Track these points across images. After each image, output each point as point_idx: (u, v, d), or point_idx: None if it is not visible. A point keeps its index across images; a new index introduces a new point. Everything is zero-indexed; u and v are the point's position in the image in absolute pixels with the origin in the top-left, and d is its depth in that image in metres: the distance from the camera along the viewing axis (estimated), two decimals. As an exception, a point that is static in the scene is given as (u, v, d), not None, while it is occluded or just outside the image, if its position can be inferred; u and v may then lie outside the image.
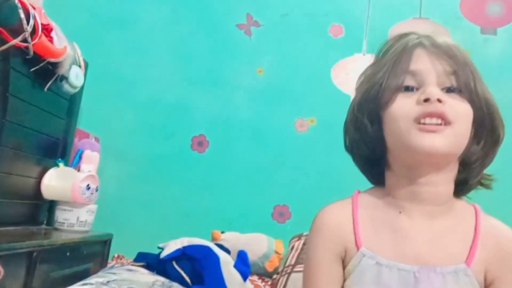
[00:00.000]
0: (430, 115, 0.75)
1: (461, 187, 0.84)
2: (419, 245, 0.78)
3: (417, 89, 0.78)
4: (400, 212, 0.80)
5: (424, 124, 0.75)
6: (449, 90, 0.78)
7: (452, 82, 0.78)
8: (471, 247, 0.78)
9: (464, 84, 0.78)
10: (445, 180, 0.80)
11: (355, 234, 0.81)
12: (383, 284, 0.76)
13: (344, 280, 0.81)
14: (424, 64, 0.78)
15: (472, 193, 0.87)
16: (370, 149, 0.84)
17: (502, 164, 0.88)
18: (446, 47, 0.79)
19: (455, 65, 0.78)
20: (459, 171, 0.82)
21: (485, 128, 0.80)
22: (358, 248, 0.79)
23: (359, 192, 0.87)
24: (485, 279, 0.78)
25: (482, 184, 0.86)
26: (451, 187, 0.81)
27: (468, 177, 0.83)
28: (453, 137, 0.75)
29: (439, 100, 0.75)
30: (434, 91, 0.75)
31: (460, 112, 0.76)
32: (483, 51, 2.13)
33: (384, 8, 2.19)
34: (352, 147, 0.87)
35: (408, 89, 0.79)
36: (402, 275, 0.76)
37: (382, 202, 0.83)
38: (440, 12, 2.18)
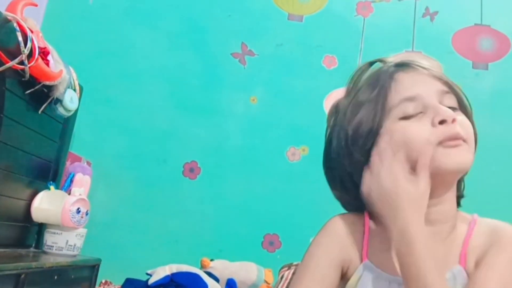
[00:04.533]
0: (454, 137, 0.74)
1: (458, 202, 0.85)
2: None
3: (419, 113, 0.77)
4: None
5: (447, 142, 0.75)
6: (451, 108, 0.78)
7: (450, 101, 0.78)
8: (462, 248, 0.78)
9: (459, 101, 0.79)
10: (451, 196, 0.80)
11: (363, 246, 0.81)
12: None
13: None
14: (420, 87, 0.78)
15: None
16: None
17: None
18: (433, 67, 0.81)
19: (448, 84, 0.79)
20: (457, 188, 0.83)
21: (476, 143, 0.81)
22: (362, 261, 0.80)
23: (368, 212, 0.86)
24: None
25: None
26: (454, 204, 0.82)
27: (461, 191, 0.85)
28: (470, 153, 0.76)
29: (453, 120, 0.75)
30: (449, 112, 0.75)
31: (469, 130, 0.78)
32: (474, 86, 2.16)
33: (377, 40, 2.24)
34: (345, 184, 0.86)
35: (408, 116, 0.78)
36: None
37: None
38: (432, 46, 2.22)
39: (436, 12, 2.27)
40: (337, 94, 2.14)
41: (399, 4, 2.30)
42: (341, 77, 2.15)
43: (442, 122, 0.75)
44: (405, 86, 0.79)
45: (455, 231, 0.81)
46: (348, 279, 0.81)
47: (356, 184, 0.83)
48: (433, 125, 0.75)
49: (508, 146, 2.07)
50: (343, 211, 0.89)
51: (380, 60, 0.85)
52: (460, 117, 0.77)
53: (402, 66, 0.82)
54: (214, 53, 2.27)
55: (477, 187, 0.88)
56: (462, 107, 0.80)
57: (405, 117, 0.78)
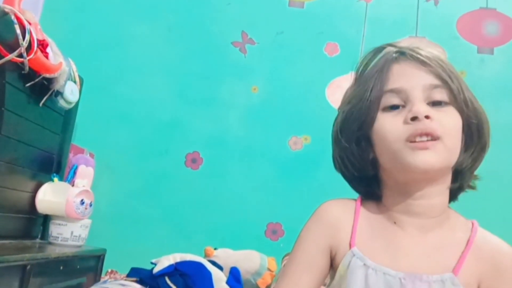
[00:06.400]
0: (420, 133, 0.74)
1: (455, 193, 0.84)
2: (410, 256, 0.78)
3: (403, 106, 0.78)
4: (394, 223, 0.81)
5: (415, 142, 0.74)
6: (436, 103, 0.77)
7: (438, 95, 0.77)
8: (460, 257, 0.77)
9: (452, 95, 0.77)
10: (439, 192, 0.79)
11: (351, 233, 0.81)
12: (370, 287, 0.76)
13: (333, 278, 0.82)
14: (407, 80, 0.78)
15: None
16: (357, 169, 0.85)
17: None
18: (430, 59, 0.79)
19: (441, 77, 0.77)
20: (453, 180, 0.82)
21: (474, 137, 0.80)
22: (350, 247, 0.80)
23: (361, 198, 0.87)
24: None
25: (469, 186, 0.86)
26: (445, 199, 0.81)
27: (461, 184, 0.83)
28: (444, 152, 0.75)
29: (426, 117, 0.74)
30: (421, 109, 0.75)
31: (449, 126, 0.76)
32: (479, 71, 2.14)
33: (380, 26, 2.21)
34: (340, 167, 0.87)
35: (394, 107, 0.78)
36: (388, 280, 0.76)
37: (379, 211, 0.84)
38: (436, 31, 2.19)
39: (440, -4, 2.24)
40: (339, 82, 2.15)
41: (403, -11, 2.27)
42: (344, 64, 2.18)
43: (413, 119, 0.75)
44: (394, 77, 0.79)
45: (450, 232, 0.80)
46: (337, 265, 0.81)
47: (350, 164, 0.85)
48: (405, 122, 0.76)
49: (514, 132, 2.05)
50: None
51: (389, 45, 0.85)
52: (440, 113, 0.76)
53: (402, 54, 0.81)
54: (214, 43, 2.25)
55: (481, 175, 0.87)
56: (457, 101, 0.78)
57: (387, 109, 0.79)
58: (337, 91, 2.15)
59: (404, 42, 0.85)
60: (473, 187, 0.86)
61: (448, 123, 0.76)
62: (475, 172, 0.85)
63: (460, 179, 0.82)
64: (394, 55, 0.81)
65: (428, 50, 0.81)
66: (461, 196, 0.86)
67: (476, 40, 2.20)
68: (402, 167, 0.76)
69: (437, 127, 0.74)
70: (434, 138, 0.74)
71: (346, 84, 0.90)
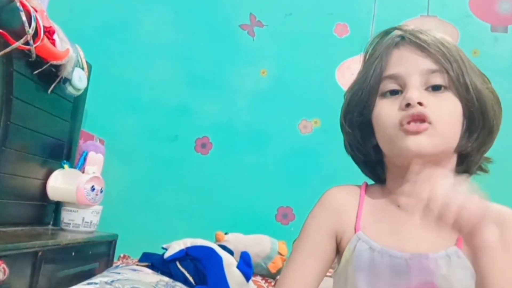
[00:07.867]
0: (413, 119, 0.75)
1: None
2: (415, 238, 0.78)
3: (402, 91, 0.78)
4: (398, 206, 0.82)
5: (408, 126, 0.75)
6: (435, 87, 0.77)
7: (437, 80, 0.77)
8: None
9: (450, 81, 0.77)
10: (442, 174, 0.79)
11: (356, 218, 0.82)
12: (376, 269, 0.77)
13: (339, 263, 0.83)
14: (405, 66, 0.78)
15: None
16: (363, 153, 0.87)
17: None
18: (431, 43, 0.78)
19: (440, 62, 0.77)
20: (459, 163, 0.82)
21: (476, 121, 0.79)
22: (355, 232, 0.81)
23: (366, 183, 0.89)
24: None
25: (481, 169, 0.86)
26: None
27: (469, 167, 0.83)
28: (437, 136, 0.75)
29: (420, 104, 0.75)
30: (414, 95, 0.75)
31: (444, 112, 0.76)
32: (493, 49, 2.10)
33: (391, 6, 2.17)
34: (348, 150, 0.90)
35: (393, 92, 0.79)
36: (394, 261, 0.76)
37: (383, 195, 0.85)
38: (448, 10, 2.15)
39: (452, -27, 2.19)
40: (349, 63, 2.12)
41: (414, -34, 2.21)
42: (354, 45, 2.15)
43: (407, 105, 0.75)
44: (392, 63, 0.80)
45: None
46: (342, 250, 0.82)
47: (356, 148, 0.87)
48: (400, 108, 0.76)
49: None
50: (351, 182, 0.90)
51: (396, 28, 0.85)
52: (437, 99, 0.76)
53: (402, 39, 0.81)
54: (222, 26, 2.23)
55: (494, 157, 0.86)
56: (456, 86, 0.77)
57: (386, 95, 0.80)
58: (347, 73, 2.12)
59: (413, 24, 0.86)
60: (485, 170, 0.86)
61: (444, 109, 0.76)
62: (487, 155, 0.85)
63: (466, 163, 0.83)
64: (395, 39, 0.82)
65: (431, 33, 0.81)
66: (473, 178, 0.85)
67: (490, 19, 2.15)
68: (397, 151, 0.78)
69: (429, 113, 0.75)
70: (427, 122, 0.75)
71: (356, 66, 0.90)
